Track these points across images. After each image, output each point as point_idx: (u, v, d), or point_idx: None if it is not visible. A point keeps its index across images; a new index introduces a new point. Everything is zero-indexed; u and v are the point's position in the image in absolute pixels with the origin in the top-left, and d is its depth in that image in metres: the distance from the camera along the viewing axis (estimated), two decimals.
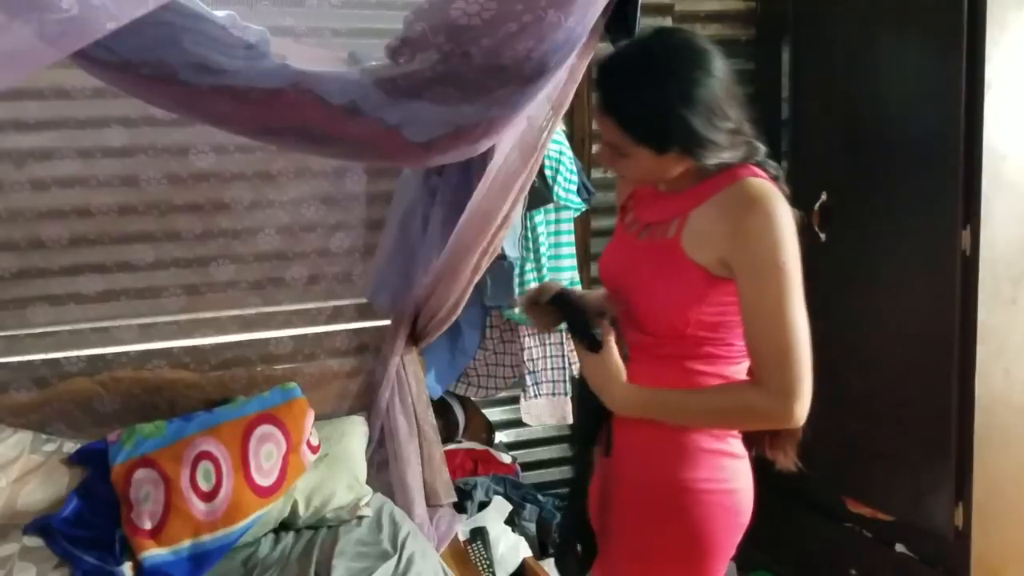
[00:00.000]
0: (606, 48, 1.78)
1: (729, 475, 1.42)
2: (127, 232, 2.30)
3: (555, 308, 1.50)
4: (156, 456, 2.07)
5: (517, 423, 2.85)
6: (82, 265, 2.29)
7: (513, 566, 2.39)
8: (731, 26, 3.01)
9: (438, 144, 1.66)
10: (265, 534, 2.16)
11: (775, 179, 1.37)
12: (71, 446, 2.14)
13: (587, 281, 2.86)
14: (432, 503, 2.39)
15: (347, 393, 2.49)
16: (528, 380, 2.68)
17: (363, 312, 2.56)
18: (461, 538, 2.38)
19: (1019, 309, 2.06)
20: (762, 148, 1.40)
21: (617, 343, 1.46)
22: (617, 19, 1.66)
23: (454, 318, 2.35)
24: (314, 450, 2.23)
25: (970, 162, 2.00)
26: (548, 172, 2.52)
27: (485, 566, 2.34)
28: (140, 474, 2.05)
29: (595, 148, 2.89)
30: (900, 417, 2.18)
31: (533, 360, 2.68)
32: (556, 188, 2.54)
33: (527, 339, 2.68)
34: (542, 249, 2.59)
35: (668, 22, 2.89)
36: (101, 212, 2.27)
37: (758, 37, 2.95)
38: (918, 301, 2.12)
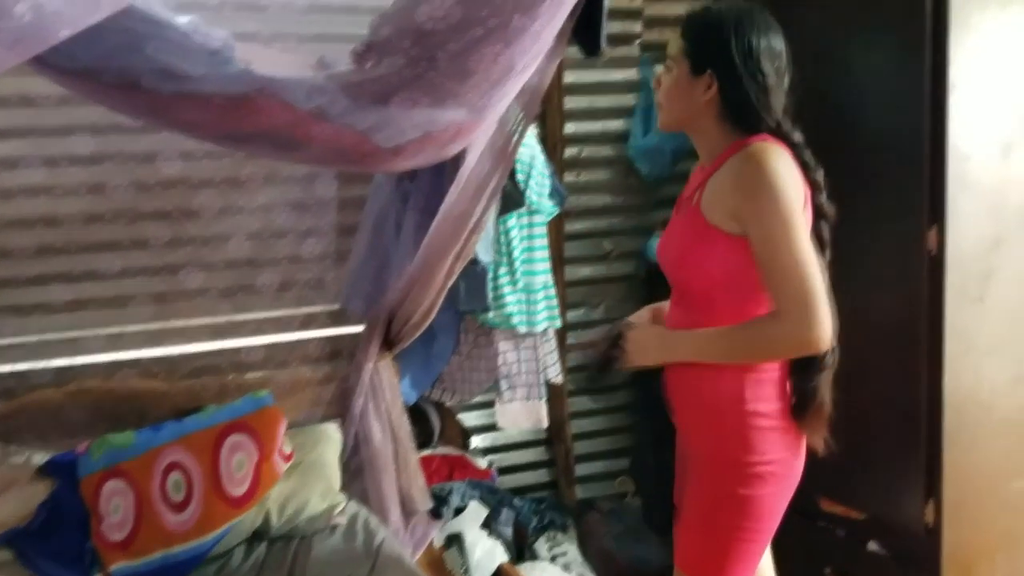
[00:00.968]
0: (575, 52, 1.81)
1: (772, 448, 1.55)
2: (94, 241, 2.28)
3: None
4: (126, 467, 2.04)
5: (493, 427, 2.85)
6: (49, 275, 2.27)
7: (489, 571, 2.39)
8: None
9: (407, 149, 1.65)
10: (238, 544, 2.13)
11: (793, 147, 1.52)
12: (40, 458, 2.11)
13: (561, 284, 2.86)
14: (407, 510, 2.38)
15: (320, 400, 2.47)
16: (503, 384, 2.68)
17: (336, 318, 2.55)
18: (437, 544, 2.37)
19: (985, 308, 2.08)
20: (786, 132, 1.54)
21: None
22: (584, 26, 1.67)
23: (428, 323, 2.34)
24: (287, 458, 2.21)
25: (936, 163, 2.03)
26: (520, 176, 2.53)
27: (461, 572, 2.33)
28: (110, 485, 2.03)
29: (567, 152, 2.90)
30: (871, 416, 2.20)
31: (507, 364, 2.68)
32: (529, 192, 2.55)
33: (501, 343, 2.68)
34: (515, 253, 2.59)
35: (637, 27, 2.91)
36: (68, 221, 2.25)
37: None
38: (887, 301, 2.14)
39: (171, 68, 1.32)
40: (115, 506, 2.00)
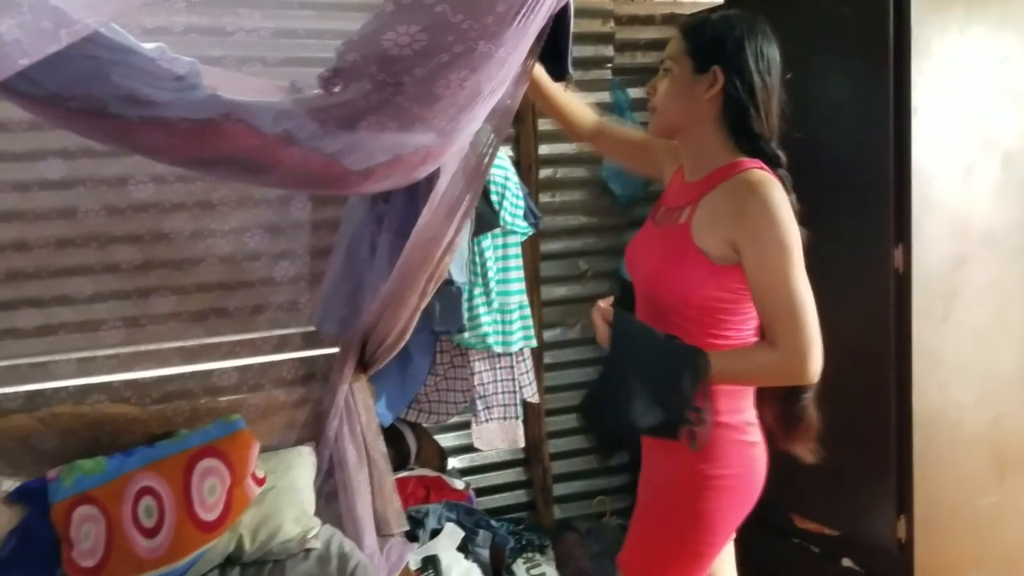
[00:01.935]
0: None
1: (737, 462, 1.56)
2: (65, 265, 2.27)
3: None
4: (97, 493, 2.03)
5: (470, 448, 2.84)
6: (19, 300, 2.25)
7: None
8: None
9: (377, 172, 1.66)
10: (210, 570, 2.12)
11: (780, 177, 1.51)
12: (9, 484, 2.09)
13: (537, 304, 2.87)
14: (383, 533, 2.36)
15: (294, 423, 2.46)
16: (479, 405, 2.67)
17: (310, 340, 2.54)
18: (413, 567, 2.36)
19: (951, 326, 2.11)
20: (776, 153, 1.55)
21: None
22: (550, 51, 1.68)
23: (402, 343, 2.34)
24: (260, 482, 2.20)
25: (900, 184, 2.06)
26: (495, 198, 2.54)
27: None
28: (81, 512, 2.01)
29: (542, 174, 2.93)
30: (841, 434, 2.20)
31: (484, 384, 2.68)
32: (503, 213, 2.56)
33: (477, 363, 2.68)
34: (490, 274, 2.60)
35: (609, 51, 2.94)
36: (38, 245, 2.23)
37: None
38: (854, 319, 2.17)
39: (137, 94, 1.32)
40: (86, 532, 1.99)
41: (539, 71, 1.84)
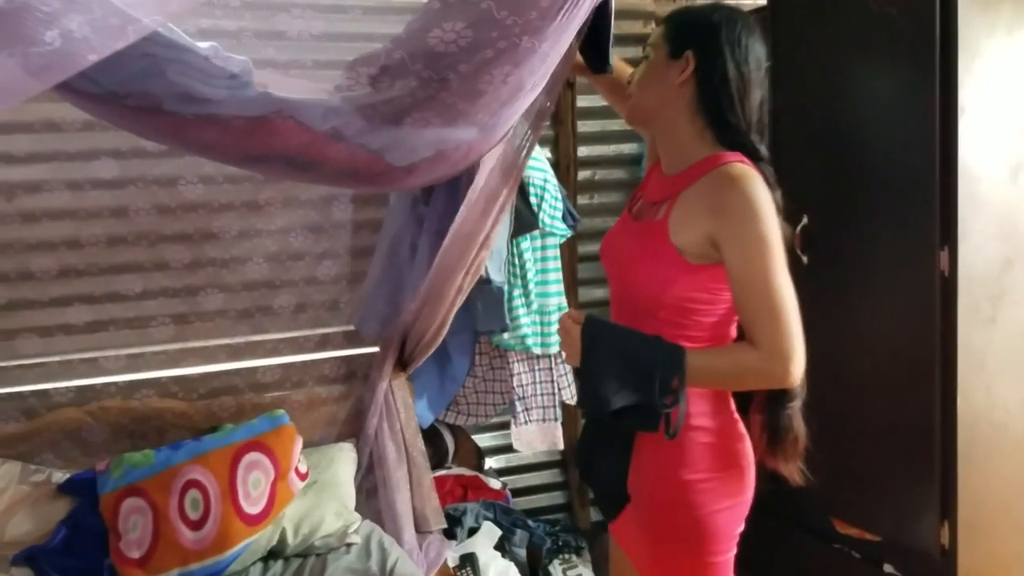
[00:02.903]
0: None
1: (716, 463, 1.50)
2: (116, 263, 2.33)
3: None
4: (144, 485, 2.08)
5: (508, 449, 2.86)
6: (71, 296, 2.31)
7: None
8: None
9: (420, 167, 1.69)
10: (254, 563, 2.15)
11: (760, 169, 1.44)
12: (60, 476, 2.15)
13: (575, 306, 2.88)
14: (421, 529, 2.39)
15: (335, 420, 2.50)
16: (518, 406, 2.69)
17: (351, 339, 2.58)
18: (450, 564, 2.37)
19: (998, 328, 2.08)
20: (756, 146, 1.49)
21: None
22: (591, 46, 1.70)
23: (440, 340, 2.36)
24: (302, 477, 2.23)
25: (946, 185, 2.03)
26: (534, 199, 2.56)
27: None
28: (128, 503, 2.05)
29: (580, 176, 2.94)
30: (884, 437, 2.19)
31: (523, 386, 2.70)
32: (541, 215, 2.58)
33: (516, 365, 2.69)
34: (529, 275, 2.62)
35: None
36: (90, 243, 2.29)
37: None
38: (899, 322, 2.14)
39: (192, 91, 1.36)
40: (133, 524, 2.03)
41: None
